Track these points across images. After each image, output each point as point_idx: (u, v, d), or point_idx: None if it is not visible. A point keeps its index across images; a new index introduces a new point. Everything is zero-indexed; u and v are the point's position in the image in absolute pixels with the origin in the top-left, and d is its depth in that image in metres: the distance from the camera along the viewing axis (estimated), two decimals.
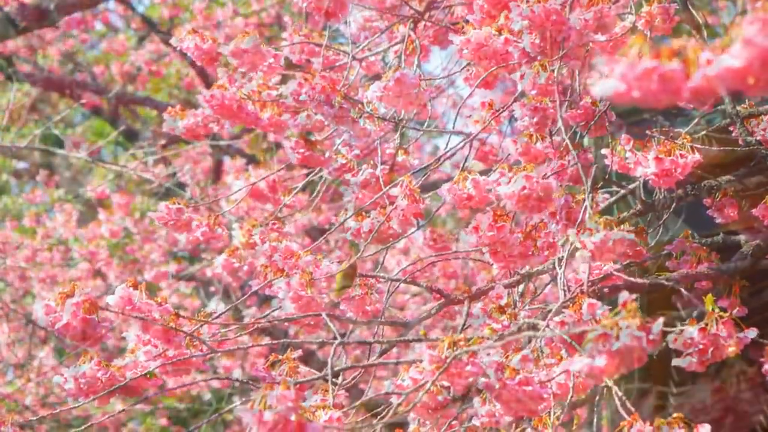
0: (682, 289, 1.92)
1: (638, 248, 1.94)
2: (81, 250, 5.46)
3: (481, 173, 1.89)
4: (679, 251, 2.08)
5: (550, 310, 1.78)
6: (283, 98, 2.16)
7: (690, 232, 2.10)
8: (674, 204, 2.13)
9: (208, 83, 5.19)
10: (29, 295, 5.59)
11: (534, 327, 1.72)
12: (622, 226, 1.66)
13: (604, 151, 1.99)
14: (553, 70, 1.90)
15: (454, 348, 1.55)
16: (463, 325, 1.95)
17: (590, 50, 1.88)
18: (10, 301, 5.39)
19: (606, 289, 1.93)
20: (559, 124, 1.93)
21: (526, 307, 1.95)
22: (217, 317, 1.95)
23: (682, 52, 1.04)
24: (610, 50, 1.88)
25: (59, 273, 5.42)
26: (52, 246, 5.49)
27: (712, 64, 1.02)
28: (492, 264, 1.95)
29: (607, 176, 2.19)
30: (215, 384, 5.45)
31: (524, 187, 1.76)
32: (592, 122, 2.08)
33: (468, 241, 1.84)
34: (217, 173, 5.92)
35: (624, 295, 1.29)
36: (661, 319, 1.25)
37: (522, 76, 1.93)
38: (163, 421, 6.25)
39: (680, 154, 1.80)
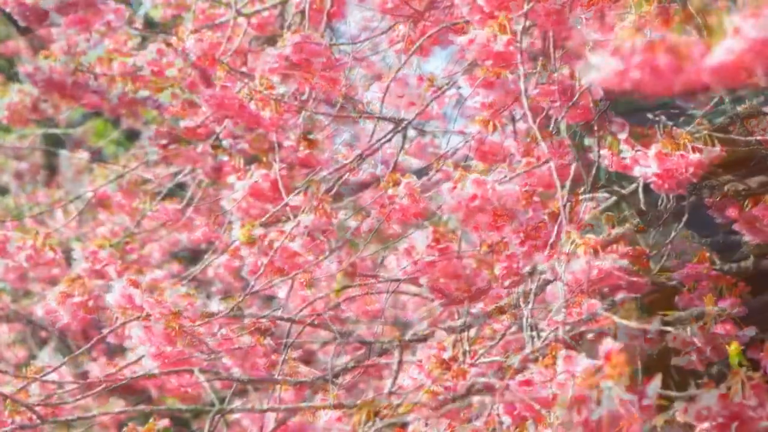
0: (683, 289, 1.92)
1: (638, 248, 1.94)
2: (81, 250, 5.45)
3: (481, 173, 1.88)
4: (680, 251, 2.07)
5: (550, 310, 1.78)
6: (284, 98, 2.16)
7: (690, 232, 2.10)
8: (674, 204, 2.13)
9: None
10: (29, 295, 5.58)
11: (534, 327, 1.72)
12: (622, 225, 1.66)
13: (603, 151, 1.99)
14: (553, 71, 1.89)
15: (454, 348, 1.55)
16: (463, 325, 1.95)
17: (591, 50, 1.88)
18: (10, 301, 5.38)
19: (606, 289, 1.92)
20: (560, 124, 1.93)
21: (527, 307, 1.94)
22: (218, 317, 1.95)
23: (676, 44, 1.04)
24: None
25: (59, 273, 5.40)
26: (52, 246, 5.47)
27: (705, 57, 1.01)
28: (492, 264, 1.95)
29: (607, 176, 2.18)
30: (216, 384, 5.43)
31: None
32: (592, 122, 2.07)
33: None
34: (217, 173, 5.91)
35: (623, 295, 1.29)
36: (658, 318, 1.25)
37: (523, 76, 1.92)
38: (165, 422, 6.23)
39: (680, 155, 1.79)
